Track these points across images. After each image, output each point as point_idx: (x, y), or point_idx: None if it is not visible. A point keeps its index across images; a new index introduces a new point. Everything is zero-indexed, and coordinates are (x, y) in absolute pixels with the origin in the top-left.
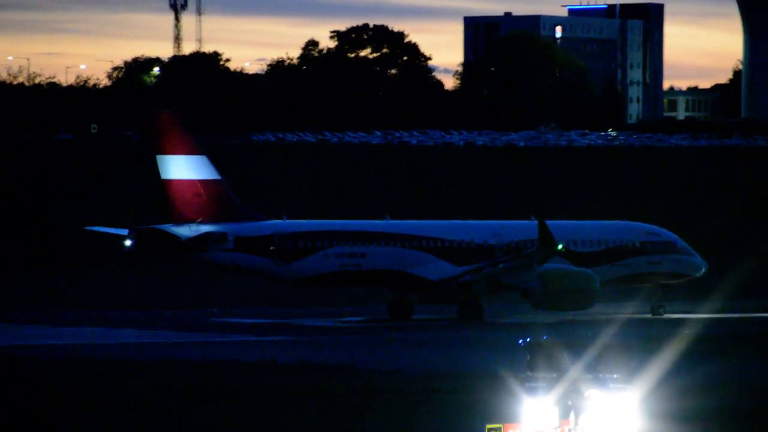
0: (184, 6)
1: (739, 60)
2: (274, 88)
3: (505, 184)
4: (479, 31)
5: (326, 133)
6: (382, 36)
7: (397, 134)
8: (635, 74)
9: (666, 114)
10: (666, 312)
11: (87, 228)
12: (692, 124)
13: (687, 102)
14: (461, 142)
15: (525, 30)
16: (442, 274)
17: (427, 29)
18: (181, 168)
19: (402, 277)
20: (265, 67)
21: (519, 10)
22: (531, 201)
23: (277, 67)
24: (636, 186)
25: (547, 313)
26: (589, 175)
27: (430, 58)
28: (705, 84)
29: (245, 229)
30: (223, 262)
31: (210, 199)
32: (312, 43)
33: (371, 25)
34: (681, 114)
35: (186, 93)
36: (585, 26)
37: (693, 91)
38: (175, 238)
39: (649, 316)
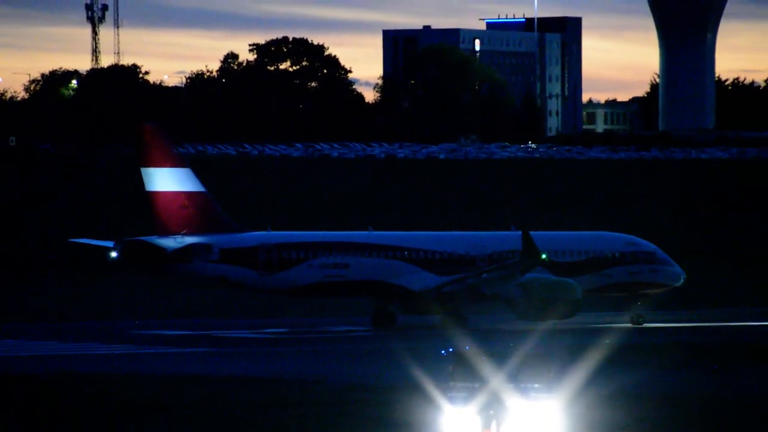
0: (101, 19)
1: (656, 73)
2: (193, 101)
3: (427, 196)
4: (398, 44)
5: (246, 146)
6: (301, 49)
7: (318, 147)
8: (554, 87)
9: (585, 127)
10: (645, 321)
11: (71, 240)
12: (611, 137)
13: (605, 115)
14: (382, 155)
15: (444, 43)
16: (424, 284)
17: (346, 42)
18: (166, 180)
19: (385, 288)
20: (184, 80)
21: (438, 23)
22: (454, 213)
23: (197, 79)
24: (556, 198)
25: (530, 323)
26: (509, 188)
27: (350, 71)
28: (623, 97)
29: (230, 241)
30: (208, 273)
31: (195, 211)
32: (231, 56)
33: (291, 38)
34: (600, 127)
35: (104, 105)
36: (503, 40)
37: (611, 104)
38: (160, 249)
39: (629, 325)
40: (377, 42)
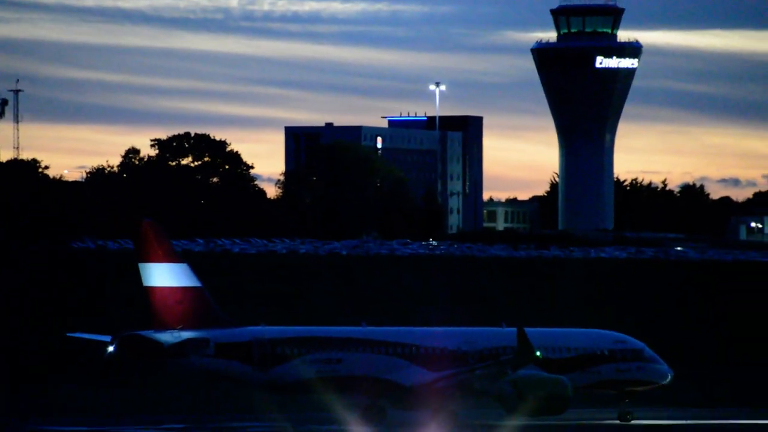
0: (1, 114)
1: (555, 173)
2: (94, 196)
3: (329, 292)
4: (300, 141)
5: None
6: (203, 145)
7: (220, 242)
8: (455, 185)
9: (486, 225)
10: (634, 418)
11: (68, 335)
12: (511, 235)
13: (506, 213)
14: (284, 251)
15: (346, 140)
16: (416, 380)
17: (248, 138)
18: (164, 275)
19: (377, 383)
20: (84, 175)
21: (340, 120)
22: (357, 308)
23: (97, 174)
24: (457, 294)
25: (521, 419)
26: (411, 284)
27: (252, 167)
28: (523, 196)
29: (225, 335)
30: (203, 368)
31: (191, 306)
32: (133, 151)
33: (192, 134)
34: (500, 225)
35: (3, 200)
36: (405, 137)
37: (512, 202)
38: (157, 344)
39: (617, 422)
40: (279, 138)
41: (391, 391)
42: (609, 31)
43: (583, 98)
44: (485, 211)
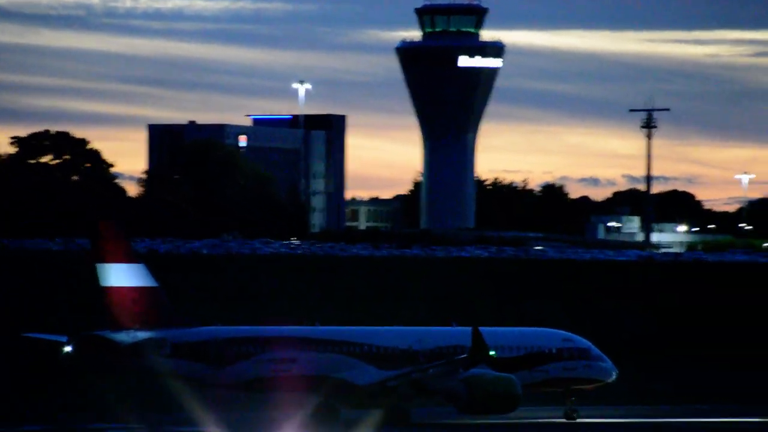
0: None
1: (419, 172)
2: None
3: (189, 291)
4: (164, 139)
5: (4, 241)
6: (63, 143)
7: (79, 241)
8: (318, 184)
9: (348, 224)
10: (579, 416)
11: (24, 334)
12: (373, 234)
13: (368, 212)
14: (145, 250)
15: (209, 138)
16: (369, 379)
17: (110, 137)
18: (120, 276)
19: (330, 382)
20: None
21: (203, 118)
22: (221, 307)
23: None
24: (320, 293)
25: (471, 417)
26: (272, 283)
27: (112, 165)
28: (387, 195)
29: (182, 335)
30: (161, 368)
31: (147, 306)
32: None
33: (53, 132)
34: (363, 224)
35: None
36: (269, 136)
37: (374, 201)
38: (114, 344)
39: (563, 420)
40: (142, 136)
41: (344, 391)
42: (473, 30)
43: (447, 97)
44: (348, 210)
